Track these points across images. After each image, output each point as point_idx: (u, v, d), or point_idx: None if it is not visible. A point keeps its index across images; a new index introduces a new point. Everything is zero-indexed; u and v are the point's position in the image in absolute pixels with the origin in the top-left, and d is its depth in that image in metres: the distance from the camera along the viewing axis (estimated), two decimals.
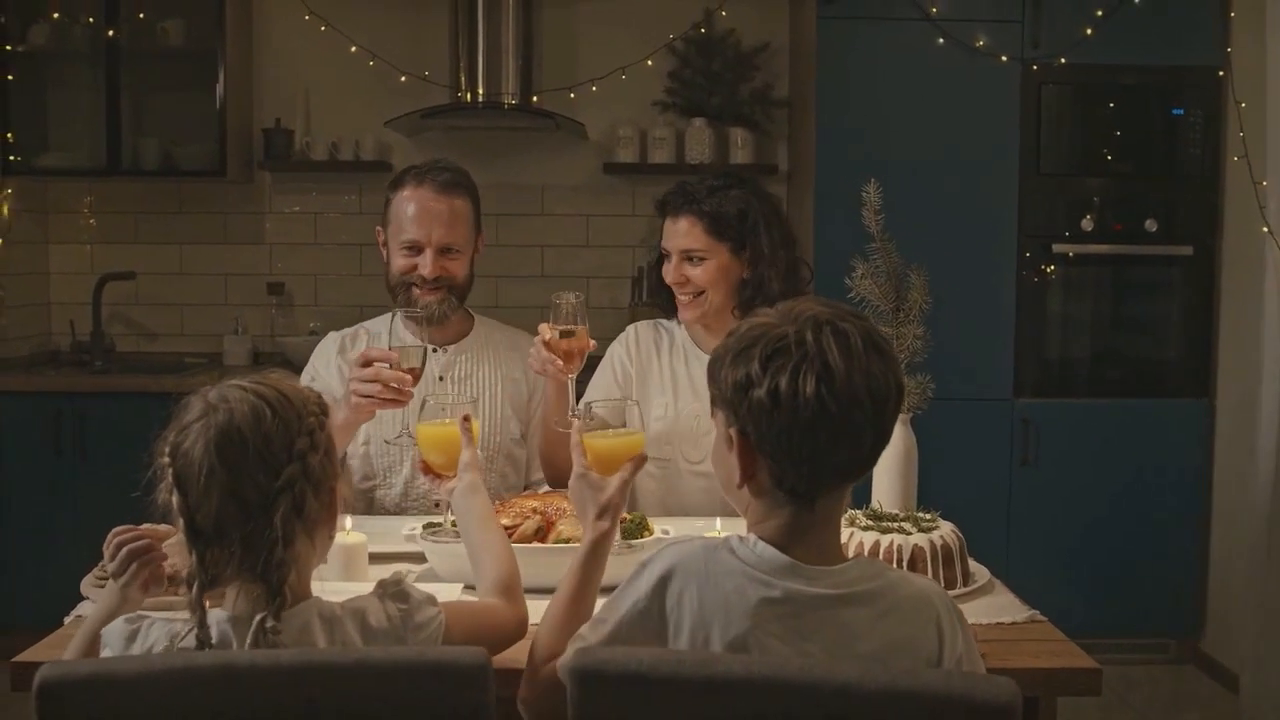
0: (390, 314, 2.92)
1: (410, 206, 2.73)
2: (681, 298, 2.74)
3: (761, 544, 1.46)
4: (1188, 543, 4.54)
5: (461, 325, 2.92)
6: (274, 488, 1.40)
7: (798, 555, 1.45)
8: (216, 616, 1.43)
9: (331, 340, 2.89)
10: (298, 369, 4.62)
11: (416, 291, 2.74)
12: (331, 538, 1.53)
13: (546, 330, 2.47)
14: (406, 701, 1.30)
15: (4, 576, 4.27)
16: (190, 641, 1.40)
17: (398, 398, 2.41)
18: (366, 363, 2.41)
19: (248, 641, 1.38)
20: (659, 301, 2.89)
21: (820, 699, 1.24)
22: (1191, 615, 4.55)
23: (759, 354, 1.42)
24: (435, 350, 2.84)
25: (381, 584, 1.53)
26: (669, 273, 2.73)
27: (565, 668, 1.33)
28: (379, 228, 2.83)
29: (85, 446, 4.32)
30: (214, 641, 1.40)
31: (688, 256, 2.70)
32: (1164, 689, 4.39)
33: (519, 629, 1.68)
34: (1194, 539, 4.54)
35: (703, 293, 2.71)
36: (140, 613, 1.50)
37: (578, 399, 2.54)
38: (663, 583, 1.46)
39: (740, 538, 1.49)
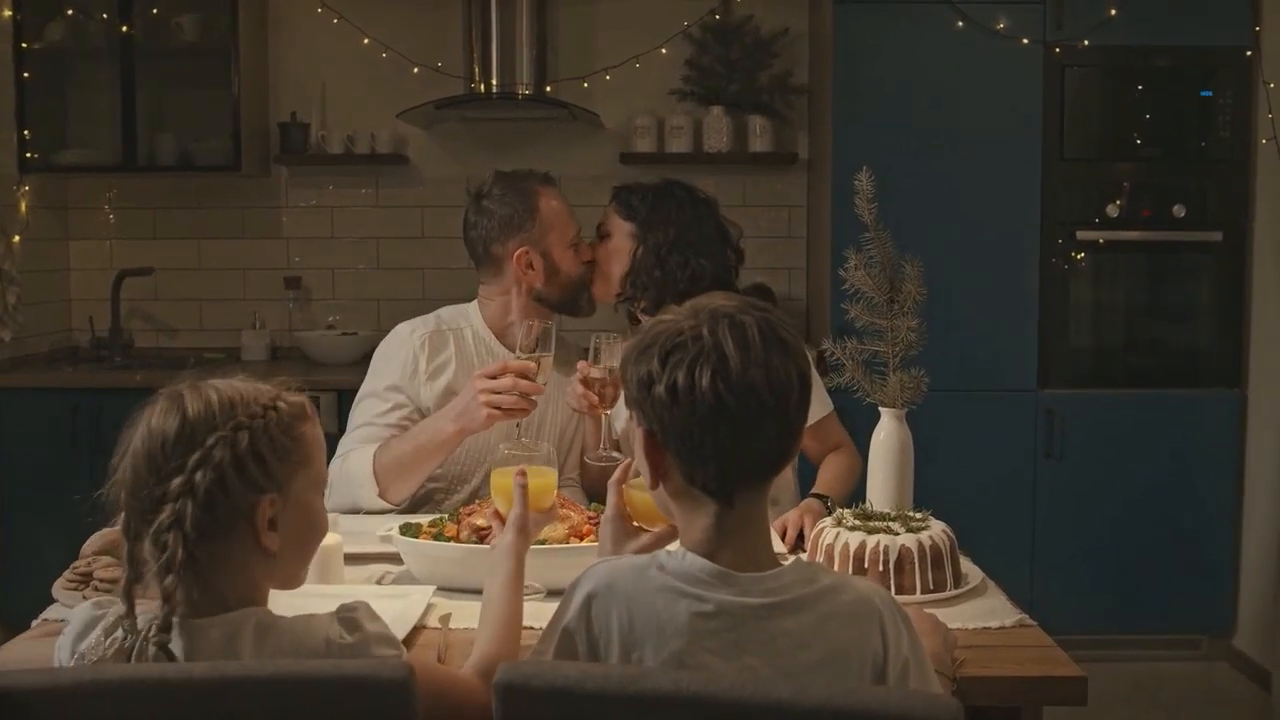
0: (466, 306, 2.86)
1: (562, 203, 2.79)
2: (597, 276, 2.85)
3: (690, 556, 1.42)
4: (1219, 537, 4.41)
5: None
6: (156, 496, 1.37)
7: (727, 561, 1.41)
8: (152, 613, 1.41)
9: (416, 342, 2.75)
10: (316, 363, 4.70)
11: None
12: (270, 552, 1.43)
13: (587, 368, 2.50)
14: (328, 716, 1.25)
15: (19, 571, 4.29)
16: (119, 635, 1.38)
17: (527, 407, 2.48)
18: (499, 373, 2.46)
19: (135, 649, 1.35)
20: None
21: (752, 717, 1.18)
22: (1223, 611, 4.43)
23: (658, 350, 1.41)
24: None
25: (341, 607, 1.47)
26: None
27: (493, 683, 1.29)
28: (522, 250, 2.71)
29: (103, 443, 4.32)
30: (145, 634, 1.37)
31: (599, 234, 2.84)
32: (1195, 687, 4.28)
33: (483, 712, 1.52)
34: (1225, 533, 4.42)
35: (604, 269, 2.82)
36: (113, 599, 1.46)
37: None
38: (588, 603, 1.42)
39: (669, 552, 1.45)
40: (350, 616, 1.44)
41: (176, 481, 1.36)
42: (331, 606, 1.49)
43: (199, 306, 5.03)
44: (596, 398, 2.50)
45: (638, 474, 1.73)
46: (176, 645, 1.35)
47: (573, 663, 1.33)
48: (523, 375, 2.46)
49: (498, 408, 2.44)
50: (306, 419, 1.48)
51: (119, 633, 1.37)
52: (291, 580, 1.50)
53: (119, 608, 1.39)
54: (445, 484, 2.74)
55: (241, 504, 1.39)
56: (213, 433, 1.38)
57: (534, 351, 2.49)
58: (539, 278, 2.74)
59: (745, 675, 1.32)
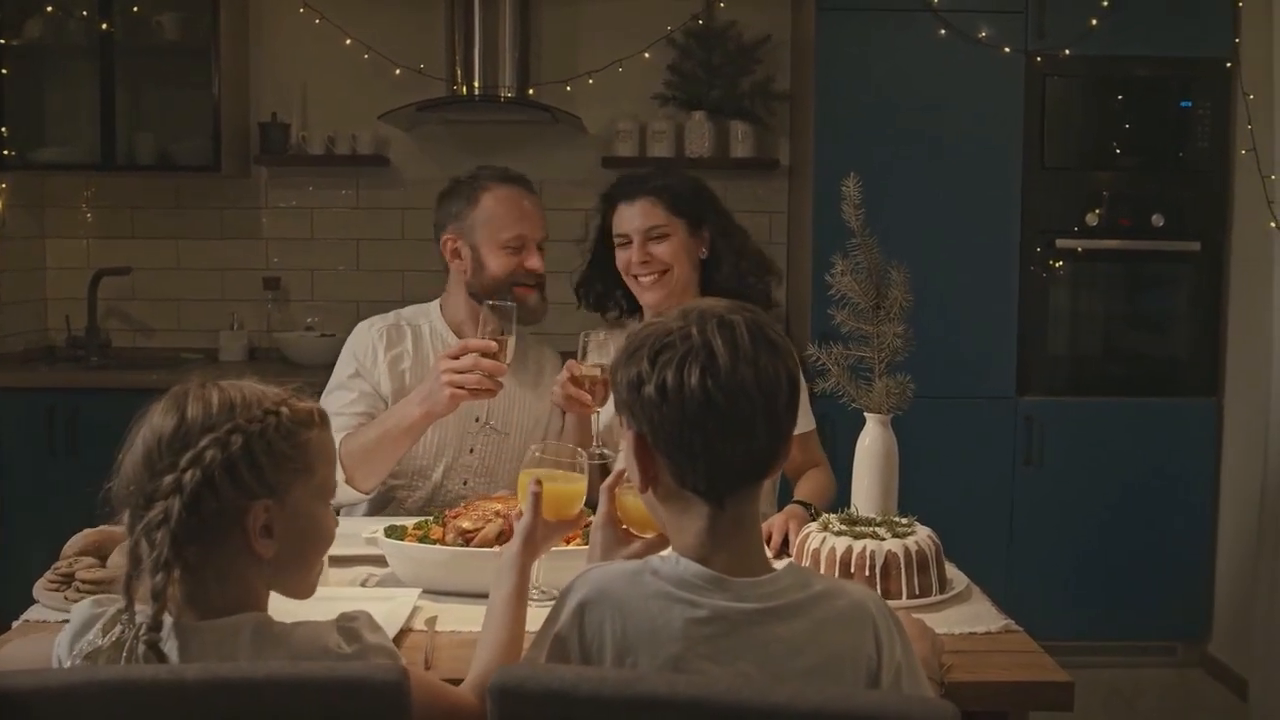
0: (428, 305, 2.89)
1: (509, 204, 2.74)
2: (645, 279, 2.74)
3: (684, 561, 1.41)
4: (1195, 544, 4.44)
5: None
6: (149, 492, 1.36)
7: (721, 565, 1.41)
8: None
9: (375, 333, 2.81)
10: (294, 364, 4.67)
11: (520, 290, 2.70)
12: (263, 558, 1.41)
13: (576, 367, 2.49)
14: (321, 718, 1.24)
15: None
16: (117, 631, 1.38)
17: (492, 387, 2.44)
18: (460, 353, 2.45)
19: (127, 645, 1.34)
20: (611, 295, 2.90)
21: None
22: (1199, 618, 4.46)
23: (648, 351, 1.41)
24: None
25: (342, 616, 1.45)
26: (632, 255, 2.74)
27: (488, 687, 1.28)
28: (449, 236, 2.76)
29: (79, 443, 4.28)
30: (137, 632, 1.36)
31: (651, 235, 2.73)
32: (1171, 693, 4.31)
33: None
34: (1201, 540, 4.45)
35: (667, 270, 2.73)
36: (114, 596, 1.45)
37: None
38: (580, 610, 1.41)
39: (662, 557, 1.45)
40: (350, 626, 1.42)
41: (167, 479, 1.35)
42: (322, 609, 1.47)
43: (176, 306, 4.99)
44: (589, 396, 2.48)
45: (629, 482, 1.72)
46: (170, 646, 1.34)
47: (568, 666, 1.32)
48: (486, 355, 2.44)
49: (461, 387, 2.43)
50: (313, 426, 1.46)
51: (117, 628, 1.37)
52: (298, 589, 1.48)
53: (119, 604, 1.38)
54: (406, 480, 2.75)
55: (231, 507, 1.38)
56: (208, 434, 1.37)
57: (499, 333, 2.48)
58: (466, 268, 2.75)
59: (740, 681, 1.31)
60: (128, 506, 1.39)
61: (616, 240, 2.78)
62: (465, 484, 2.76)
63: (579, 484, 1.88)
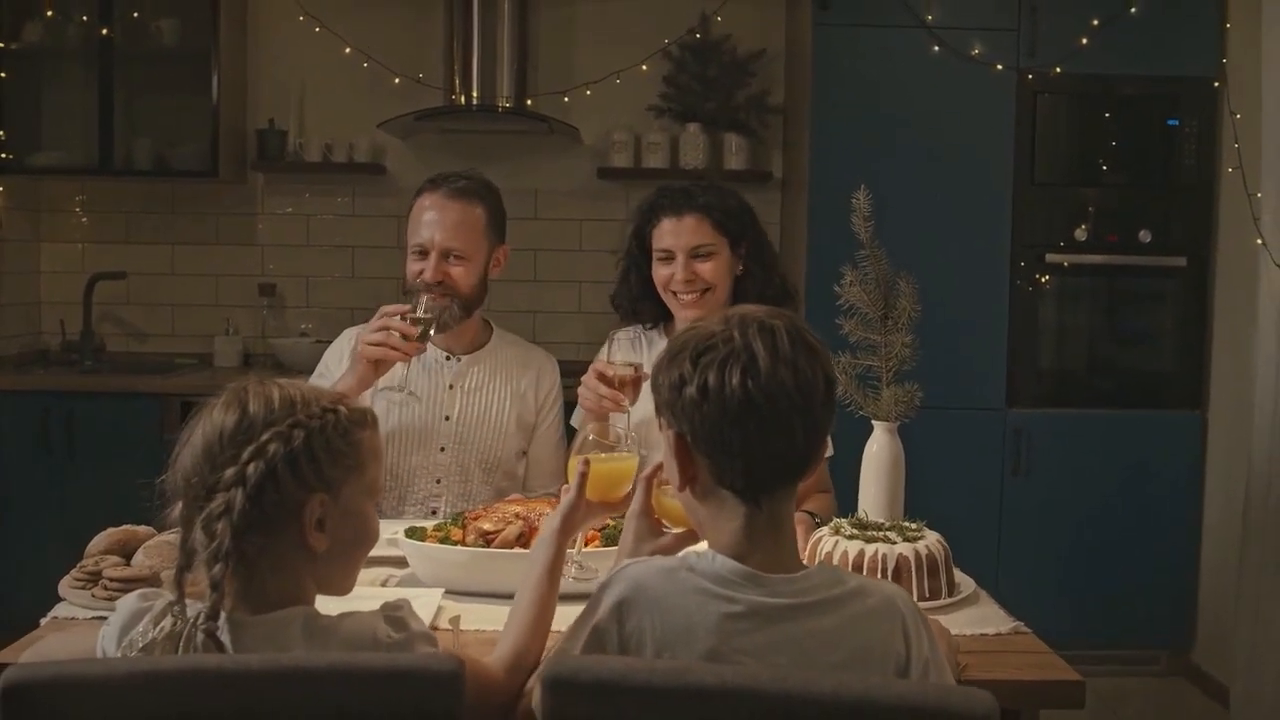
0: None
1: (423, 211, 2.77)
2: (685, 297, 2.74)
3: (720, 557, 1.46)
4: (1179, 555, 4.52)
5: (479, 335, 2.92)
6: (210, 484, 1.40)
7: (756, 563, 1.45)
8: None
9: (346, 338, 2.90)
10: (288, 371, 4.69)
11: (422, 296, 2.73)
12: (315, 551, 1.44)
13: (608, 367, 2.51)
14: (378, 707, 1.28)
15: None
16: (169, 623, 1.40)
17: (404, 349, 2.53)
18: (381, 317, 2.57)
19: (184, 636, 1.37)
20: (638, 308, 2.89)
21: (794, 710, 1.22)
22: (1182, 628, 4.53)
23: (690, 353, 1.47)
24: (450, 358, 2.85)
25: (385, 605, 1.50)
26: (675, 271, 2.72)
27: (539, 676, 1.32)
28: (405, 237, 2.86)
29: (73, 446, 4.29)
30: (194, 621, 1.39)
31: (696, 253, 2.72)
32: (1154, 702, 4.37)
33: (504, 706, 1.57)
34: (1185, 551, 4.52)
35: (709, 289, 2.73)
36: (159, 590, 1.49)
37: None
38: (619, 608, 1.45)
39: (699, 554, 1.49)
40: (397, 615, 1.47)
41: (230, 471, 1.39)
42: (349, 605, 1.51)
43: (171, 311, 5.01)
44: (622, 395, 2.49)
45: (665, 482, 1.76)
46: (224, 638, 1.37)
47: (618, 658, 1.36)
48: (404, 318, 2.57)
49: (373, 345, 2.54)
50: (366, 426, 1.50)
51: (168, 620, 1.40)
52: (340, 585, 1.52)
53: (166, 598, 1.41)
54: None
55: (290, 500, 1.42)
56: (270, 428, 1.41)
57: (419, 319, 2.59)
58: None
59: (786, 671, 1.36)
60: (183, 499, 1.42)
61: (657, 255, 2.76)
62: (439, 482, 2.82)
63: (627, 463, 1.91)
